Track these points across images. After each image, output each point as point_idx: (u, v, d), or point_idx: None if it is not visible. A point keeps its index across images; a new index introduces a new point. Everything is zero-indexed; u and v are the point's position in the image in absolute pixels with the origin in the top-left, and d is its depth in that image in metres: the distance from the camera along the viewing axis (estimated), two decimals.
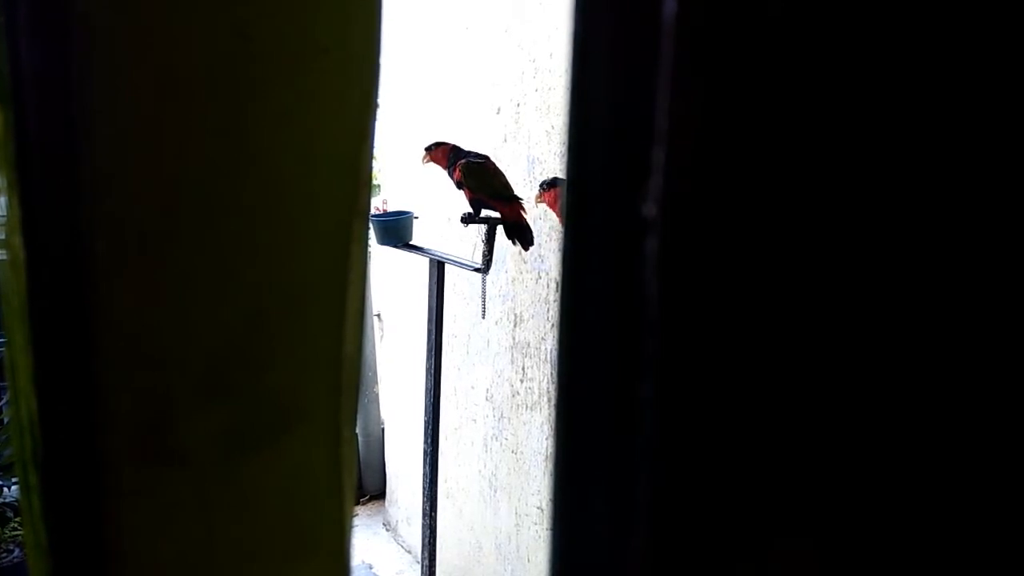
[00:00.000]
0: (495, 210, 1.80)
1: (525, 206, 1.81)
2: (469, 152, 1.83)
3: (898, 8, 0.19)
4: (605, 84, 0.22)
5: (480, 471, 2.45)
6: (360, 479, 3.47)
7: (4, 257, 0.38)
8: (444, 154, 1.86)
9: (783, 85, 0.20)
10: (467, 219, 1.85)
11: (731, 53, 0.20)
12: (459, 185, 1.82)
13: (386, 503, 3.32)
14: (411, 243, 2.07)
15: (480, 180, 1.78)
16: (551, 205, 1.71)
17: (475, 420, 2.47)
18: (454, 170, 1.81)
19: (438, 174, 1.96)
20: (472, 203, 1.82)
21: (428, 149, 1.90)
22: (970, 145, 0.19)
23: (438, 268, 2.01)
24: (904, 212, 0.19)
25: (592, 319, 0.24)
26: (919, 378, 0.20)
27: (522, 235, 1.79)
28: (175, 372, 0.39)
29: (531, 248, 1.87)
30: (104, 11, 0.34)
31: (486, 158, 1.82)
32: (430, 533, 2.08)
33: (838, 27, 0.19)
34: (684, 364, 0.22)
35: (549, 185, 1.72)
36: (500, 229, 1.87)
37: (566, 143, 0.24)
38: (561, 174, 0.24)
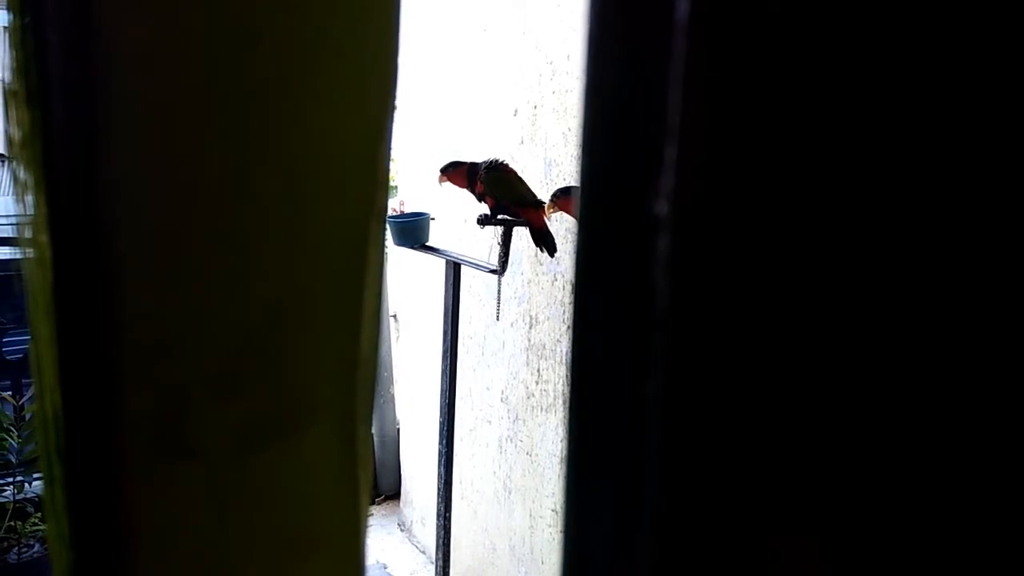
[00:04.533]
0: (522, 217, 1.79)
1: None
2: (485, 162, 1.82)
3: (913, 7, 0.19)
4: (618, 82, 0.23)
5: (495, 472, 2.46)
6: (375, 479, 3.48)
7: (31, 255, 0.39)
8: (463, 174, 1.83)
9: (794, 83, 0.20)
10: (483, 220, 1.85)
11: (743, 52, 0.20)
12: (480, 197, 1.81)
13: (401, 503, 3.33)
14: (427, 244, 2.08)
15: (504, 188, 1.77)
16: (567, 210, 1.71)
17: (490, 421, 2.47)
18: (475, 184, 1.80)
19: (455, 192, 1.95)
20: (494, 209, 1.81)
21: (444, 171, 1.86)
22: (983, 145, 0.19)
23: (454, 269, 2.01)
24: (918, 212, 0.19)
25: (604, 316, 0.24)
26: (929, 377, 0.20)
27: (548, 242, 1.78)
28: (193, 368, 0.40)
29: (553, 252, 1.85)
30: (123, 14, 0.35)
31: (504, 164, 1.81)
32: (444, 534, 2.08)
33: (849, 25, 0.19)
34: (694, 363, 0.22)
35: (563, 193, 1.72)
36: (516, 231, 1.87)
37: (580, 141, 0.24)
38: (577, 175, 0.25)
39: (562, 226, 1.95)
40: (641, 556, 0.24)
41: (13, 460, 2.26)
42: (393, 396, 3.46)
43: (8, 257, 2.49)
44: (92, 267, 0.37)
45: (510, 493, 2.37)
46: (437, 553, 2.11)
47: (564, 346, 2.08)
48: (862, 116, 0.19)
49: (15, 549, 2.26)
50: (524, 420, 2.28)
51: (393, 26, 0.42)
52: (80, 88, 0.36)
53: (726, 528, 0.22)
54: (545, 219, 1.78)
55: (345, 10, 0.40)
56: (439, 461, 2.06)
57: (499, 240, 1.90)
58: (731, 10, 0.20)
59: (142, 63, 0.36)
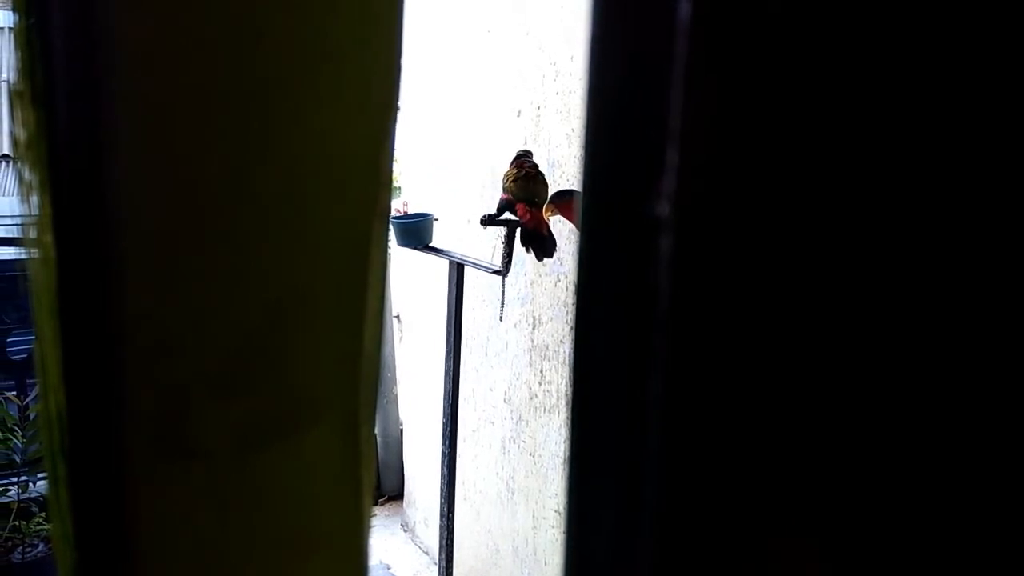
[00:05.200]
0: (516, 213, 1.77)
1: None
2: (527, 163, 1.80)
3: (916, 9, 0.19)
4: (620, 84, 0.23)
5: (498, 473, 2.45)
6: (379, 480, 3.49)
7: (35, 255, 0.39)
8: (572, 206, 1.71)
9: (795, 85, 0.20)
10: (486, 221, 1.85)
11: (744, 54, 0.20)
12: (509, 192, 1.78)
13: (404, 504, 3.33)
14: (431, 245, 2.07)
15: (524, 188, 1.75)
16: (565, 214, 1.69)
17: (493, 422, 2.47)
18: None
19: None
20: (501, 204, 1.80)
21: (555, 200, 1.74)
22: (990, 144, 0.19)
23: (457, 270, 2.01)
24: (918, 213, 0.19)
25: (605, 317, 0.24)
26: (928, 379, 0.20)
27: (538, 244, 1.75)
28: (193, 368, 0.40)
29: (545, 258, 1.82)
30: (125, 15, 0.35)
31: (536, 169, 1.78)
32: (447, 534, 2.08)
33: (851, 27, 0.19)
34: (695, 364, 0.22)
35: (561, 196, 1.70)
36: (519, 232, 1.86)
37: (583, 143, 0.24)
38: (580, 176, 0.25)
39: (566, 227, 1.95)
40: (642, 557, 0.24)
41: (17, 460, 2.27)
42: (396, 397, 3.46)
43: (13, 257, 2.51)
44: (95, 267, 0.37)
45: (513, 494, 2.37)
46: (440, 554, 2.11)
47: (567, 347, 2.08)
48: (862, 118, 0.19)
49: (19, 549, 2.26)
50: (527, 421, 2.28)
51: (395, 27, 0.42)
52: (83, 89, 0.36)
53: (726, 529, 0.22)
54: (542, 221, 1.75)
55: (346, 10, 0.40)
56: (442, 462, 2.06)
57: (502, 241, 1.89)
58: (732, 12, 0.20)
59: (143, 64, 0.36)
